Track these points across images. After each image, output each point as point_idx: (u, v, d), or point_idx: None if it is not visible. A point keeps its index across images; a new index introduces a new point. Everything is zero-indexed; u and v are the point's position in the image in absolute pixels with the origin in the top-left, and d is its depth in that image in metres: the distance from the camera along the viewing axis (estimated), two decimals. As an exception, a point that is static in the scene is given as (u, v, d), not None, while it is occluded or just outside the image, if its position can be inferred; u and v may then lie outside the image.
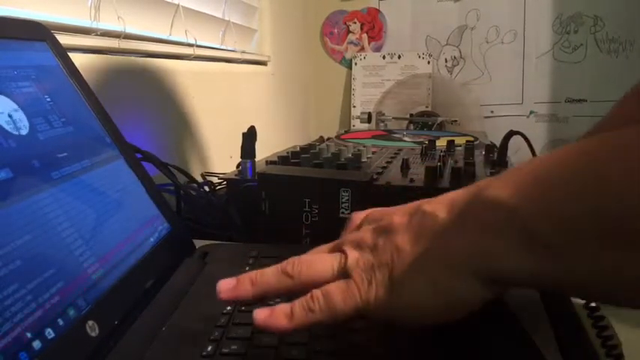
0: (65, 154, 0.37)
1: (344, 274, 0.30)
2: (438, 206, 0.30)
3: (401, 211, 0.32)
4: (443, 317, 0.28)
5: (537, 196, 0.25)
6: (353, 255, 0.31)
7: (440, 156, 0.68)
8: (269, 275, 0.31)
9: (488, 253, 0.26)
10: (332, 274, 0.31)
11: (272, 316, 0.29)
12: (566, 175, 0.25)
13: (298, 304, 0.29)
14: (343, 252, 0.31)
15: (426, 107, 1.62)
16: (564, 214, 0.24)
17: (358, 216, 0.37)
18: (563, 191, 0.24)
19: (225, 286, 0.31)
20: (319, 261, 0.32)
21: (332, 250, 0.33)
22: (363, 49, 1.77)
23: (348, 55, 1.78)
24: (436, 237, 0.28)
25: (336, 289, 0.29)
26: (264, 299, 0.32)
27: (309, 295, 0.29)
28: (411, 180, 0.57)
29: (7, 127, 0.32)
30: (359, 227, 0.35)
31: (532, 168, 0.27)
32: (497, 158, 0.71)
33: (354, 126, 1.69)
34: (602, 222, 0.23)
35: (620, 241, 0.22)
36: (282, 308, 0.29)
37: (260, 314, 0.29)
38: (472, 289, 0.27)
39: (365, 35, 1.76)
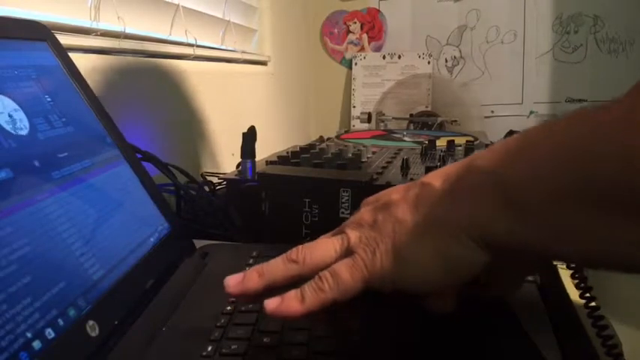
0: (65, 154, 0.37)
1: (348, 253, 0.31)
2: (434, 178, 0.31)
3: (397, 189, 0.34)
4: (446, 279, 0.29)
5: (524, 167, 0.27)
6: (354, 234, 0.32)
7: (440, 156, 0.68)
8: (275, 264, 0.32)
9: (480, 220, 0.28)
10: (336, 255, 0.32)
11: (283, 303, 0.29)
12: (552, 148, 0.26)
13: (307, 286, 0.30)
14: (345, 233, 0.32)
15: (426, 107, 1.62)
16: (550, 184, 0.25)
17: None
18: (550, 163, 0.25)
19: (233, 281, 0.32)
20: (322, 244, 0.33)
21: (334, 235, 0.34)
22: (363, 49, 1.77)
23: (348, 55, 1.78)
24: (433, 205, 0.30)
25: (342, 265, 0.30)
26: (272, 290, 0.32)
27: (317, 276, 0.30)
28: (411, 180, 0.57)
29: (8, 127, 0.32)
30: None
31: (520, 141, 0.28)
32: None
33: (354, 126, 1.69)
34: (589, 193, 0.24)
35: (606, 208, 0.23)
36: (292, 293, 0.30)
37: (271, 303, 0.29)
38: (470, 252, 0.28)
39: (365, 35, 1.76)
